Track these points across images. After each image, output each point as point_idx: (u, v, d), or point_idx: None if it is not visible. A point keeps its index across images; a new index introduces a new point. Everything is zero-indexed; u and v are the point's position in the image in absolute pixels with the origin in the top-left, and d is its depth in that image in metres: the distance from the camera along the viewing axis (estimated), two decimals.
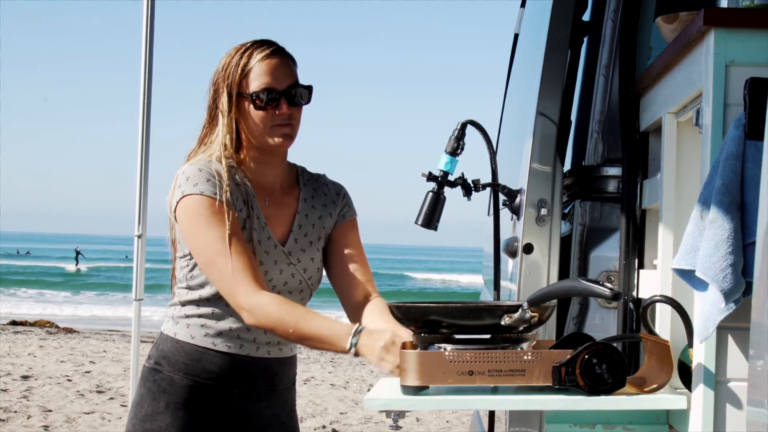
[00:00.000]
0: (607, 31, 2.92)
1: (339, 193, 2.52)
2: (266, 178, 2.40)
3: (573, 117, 2.78)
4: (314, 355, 12.07)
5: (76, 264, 45.24)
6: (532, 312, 1.95)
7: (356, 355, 2.13)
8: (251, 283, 2.22)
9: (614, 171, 2.79)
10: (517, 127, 3.22)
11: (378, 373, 10.77)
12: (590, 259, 2.77)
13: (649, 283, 2.43)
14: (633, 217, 2.54)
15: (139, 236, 4.91)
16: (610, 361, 1.91)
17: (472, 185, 2.57)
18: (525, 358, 1.91)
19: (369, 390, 2.12)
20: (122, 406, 8.19)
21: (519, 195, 2.67)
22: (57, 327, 15.84)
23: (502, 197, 2.71)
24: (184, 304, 2.38)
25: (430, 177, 2.52)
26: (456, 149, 2.52)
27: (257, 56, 2.32)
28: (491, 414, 2.89)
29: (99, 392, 8.94)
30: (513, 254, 2.68)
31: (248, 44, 2.35)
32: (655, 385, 2.01)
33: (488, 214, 3.73)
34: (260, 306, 2.21)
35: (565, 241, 2.76)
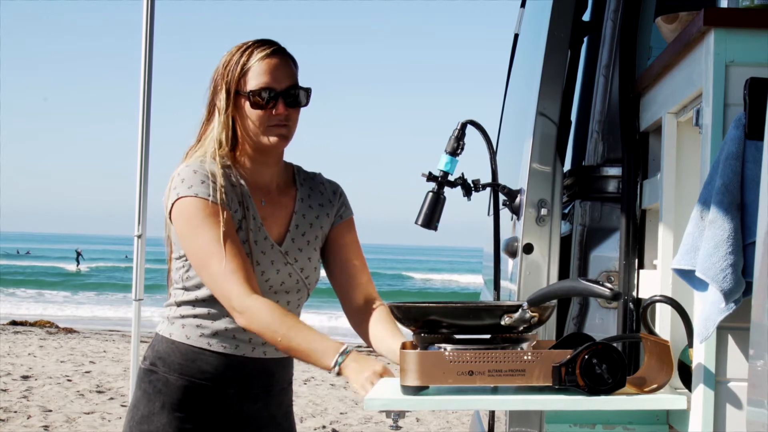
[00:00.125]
0: (607, 31, 2.92)
1: (335, 192, 2.51)
2: (262, 178, 2.40)
3: (573, 117, 2.78)
4: None
5: (77, 265, 45.26)
6: (532, 312, 1.95)
7: (339, 374, 2.12)
8: (244, 285, 2.21)
9: (614, 171, 2.79)
10: (517, 127, 3.22)
11: None
12: (590, 259, 2.77)
13: (649, 283, 2.43)
14: (633, 217, 2.54)
15: (139, 236, 4.91)
16: (610, 361, 1.91)
17: (472, 185, 2.57)
18: (525, 358, 1.91)
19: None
20: (122, 406, 8.20)
21: (519, 195, 2.67)
22: (57, 327, 15.85)
23: (502, 197, 2.71)
24: (179, 304, 2.38)
25: (430, 177, 2.52)
26: (456, 149, 2.52)
27: (257, 55, 2.32)
28: (491, 414, 2.89)
29: (99, 392, 8.94)
30: (513, 254, 2.68)
31: (250, 43, 2.35)
32: (655, 385, 2.01)
33: (488, 214, 3.73)
34: (253, 309, 2.20)
35: (565, 241, 2.76)
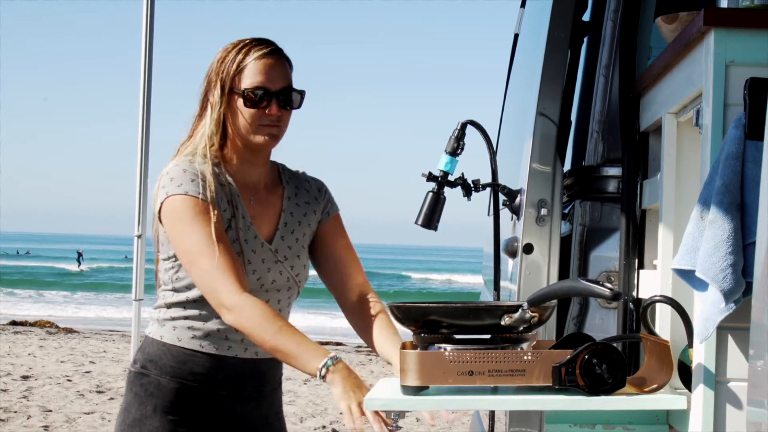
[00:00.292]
0: (607, 31, 2.92)
1: (320, 189, 2.51)
2: (250, 177, 2.39)
3: (573, 117, 2.77)
4: None
5: (78, 265, 45.31)
6: (532, 312, 1.95)
7: (323, 378, 2.10)
8: (235, 282, 2.20)
9: (614, 171, 2.79)
10: (517, 127, 3.22)
11: (378, 373, 10.78)
12: (590, 259, 2.77)
13: (649, 283, 2.43)
14: (633, 217, 2.54)
15: (139, 236, 4.91)
16: (610, 361, 1.91)
17: (472, 185, 2.57)
18: (525, 358, 1.91)
19: (369, 390, 2.11)
20: None
21: (519, 195, 2.67)
22: (57, 327, 15.84)
23: (502, 197, 2.71)
24: (169, 306, 2.36)
25: (430, 177, 2.52)
26: (456, 149, 2.52)
27: (254, 54, 2.32)
28: (491, 414, 2.89)
29: (99, 392, 8.94)
30: (513, 254, 2.68)
31: (247, 41, 2.35)
32: (655, 385, 2.01)
33: (488, 214, 3.73)
34: (243, 307, 2.18)
35: (565, 241, 2.76)
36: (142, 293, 4.97)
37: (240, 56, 2.32)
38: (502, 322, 1.94)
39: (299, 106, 2.37)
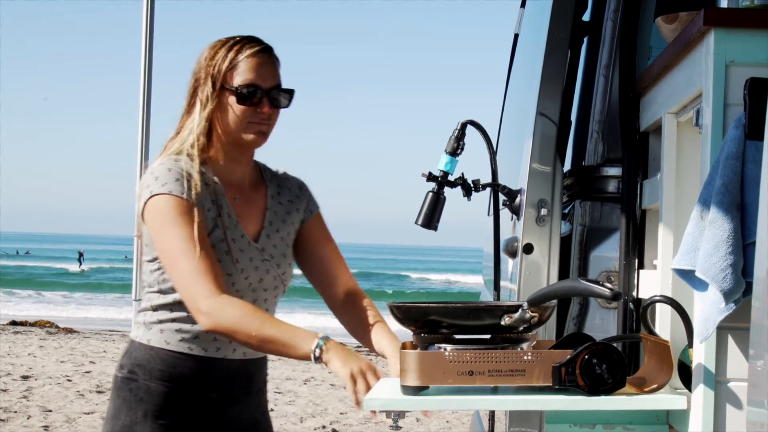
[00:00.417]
0: (607, 31, 2.92)
1: (301, 187, 2.51)
2: (235, 175, 2.38)
3: (573, 117, 2.78)
4: None
5: (80, 265, 45.36)
6: (532, 312, 1.95)
7: (318, 360, 2.09)
8: (212, 286, 2.17)
9: (614, 171, 2.79)
10: (517, 127, 3.22)
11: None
12: (590, 259, 2.77)
13: (649, 283, 2.43)
14: (633, 217, 2.54)
15: (139, 236, 4.90)
16: (610, 361, 1.91)
17: (472, 185, 2.57)
18: (525, 358, 1.91)
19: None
20: None
21: (519, 195, 2.67)
22: (57, 327, 15.84)
23: (502, 197, 2.71)
24: (156, 308, 2.33)
25: (430, 177, 2.52)
26: (456, 149, 2.52)
27: (247, 51, 2.31)
28: (491, 414, 2.89)
29: (99, 392, 8.94)
30: (513, 254, 2.68)
31: (237, 38, 2.34)
32: (655, 385, 2.01)
33: (488, 214, 3.73)
34: (221, 308, 2.15)
35: (565, 241, 2.76)
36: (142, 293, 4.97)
37: (232, 53, 2.31)
38: (502, 322, 1.94)
39: (288, 105, 2.36)
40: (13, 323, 16.15)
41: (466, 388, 1.95)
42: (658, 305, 2.23)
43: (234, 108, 2.30)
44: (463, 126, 2.54)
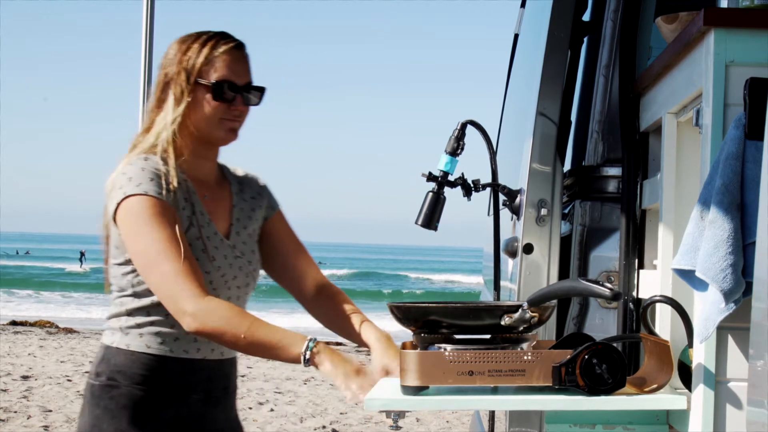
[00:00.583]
0: (607, 31, 2.92)
1: (261, 185, 2.49)
2: (202, 172, 2.34)
3: (573, 117, 2.78)
4: None
5: (81, 265, 45.36)
6: (532, 312, 1.95)
7: (309, 362, 2.09)
8: (197, 287, 2.13)
9: (614, 171, 2.79)
10: (517, 127, 3.22)
11: None
12: (590, 259, 2.77)
13: (649, 283, 2.42)
14: (633, 217, 2.54)
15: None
16: (610, 361, 1.91)
17: (472, 185, 2.57)
18: (525, 358, 1.91)
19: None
20: None
21: (519, 195, 2.67)
22: (57, 327, 15.84)
23: (502, 197, 2.71)
24: (131, 313, 2.26)
25: (430, 177, 2.52)
26: (456, 149, 2.52)
27: (222, 47, 2.28)
28: (491, 414, 2.89)
29: None
30: (513, 254, 2.68)
31: (211, 33, 2.30)
32: (655, 385, 2.01)
33: (488, 214, 3.73)
34: (209, 310, 2.12)
35: (565, 241, 2.76)
36: None
37: (206, 49, 2.27)
38: (502, 322, 1.94)
39: (258, 103, 2.34)
40: (13, 323, 16.16)
41: (466, 388, 1.95)
42: (658, 305, 2.23)
43: (208, 104, 2.26)
44: (463, 126, 2.54)
